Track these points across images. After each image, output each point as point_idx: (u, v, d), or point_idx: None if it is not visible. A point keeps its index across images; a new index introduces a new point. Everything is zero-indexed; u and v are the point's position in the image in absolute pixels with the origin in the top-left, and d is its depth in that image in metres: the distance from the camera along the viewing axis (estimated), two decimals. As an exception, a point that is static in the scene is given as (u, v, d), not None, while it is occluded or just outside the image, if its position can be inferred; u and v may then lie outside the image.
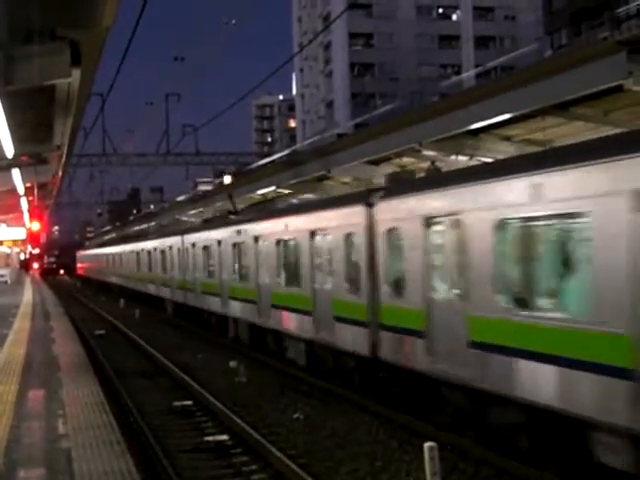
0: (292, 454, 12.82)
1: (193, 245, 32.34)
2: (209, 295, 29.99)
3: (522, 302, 11.17)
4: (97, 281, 75.97)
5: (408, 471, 11.81)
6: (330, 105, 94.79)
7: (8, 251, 65.94)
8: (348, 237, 16.90)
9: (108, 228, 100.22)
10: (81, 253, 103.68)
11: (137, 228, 64.21)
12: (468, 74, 71.21)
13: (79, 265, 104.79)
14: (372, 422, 14.97)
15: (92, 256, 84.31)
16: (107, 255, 67.85)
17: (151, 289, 44.68)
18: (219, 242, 27.74)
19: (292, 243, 21.00)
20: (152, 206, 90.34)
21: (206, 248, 30.25)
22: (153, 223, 56.79)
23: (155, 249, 42.32)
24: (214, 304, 29.32)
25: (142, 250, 47.04)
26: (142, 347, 27.43)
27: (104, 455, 9.79)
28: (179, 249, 35.13)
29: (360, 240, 16.20)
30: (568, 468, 10.56)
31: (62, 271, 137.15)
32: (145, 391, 19.31)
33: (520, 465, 11.38)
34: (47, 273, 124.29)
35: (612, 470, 9.62)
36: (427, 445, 11.11)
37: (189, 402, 17.24)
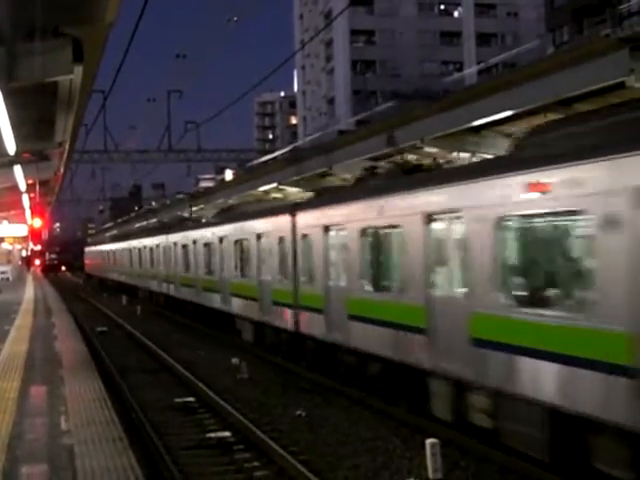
0: (294, 450, 12.83)
1: (326, 229, 18.54)
2: (370, 324, 15.92)
3: None
4: (114, 283, 63.39)
5: (410, 468, 11.81)
6: (331, 102, 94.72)
7: (10, 248, 65.95)
8: None
9: (138, 212, 79.20)
10: (91, 249, 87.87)
11: (184, 212, 46.60)
12: (470, 71, 71.23)
13: (87, 262, 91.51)
14: (374, 419, 14.98)
15: (107, 253, 69.47)
16: (130, 250, 54.43)
17: (211, 300, 30.87)
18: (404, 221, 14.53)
19: None
20: (154, 202, 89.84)
21: (369, 234, 16.47)
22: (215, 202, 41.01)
23: (221, 239, 29.13)
24: (380, 341, 15.52)
25: (195, 242, 33.90)
26: (144, 344, 27.44)
27: (106, 451, 9.80)
28: (282, 238, 21.81)
29: None
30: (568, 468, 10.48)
31: (63, 268, 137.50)
32: (147, 388, 19.31)
33: (522, 463, 11.38)
34: (48, 270, 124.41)
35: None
36: (429, 441, 11.13)
37: (191, 399, 17.25)
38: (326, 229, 18.63)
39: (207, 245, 31.83)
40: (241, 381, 19.71)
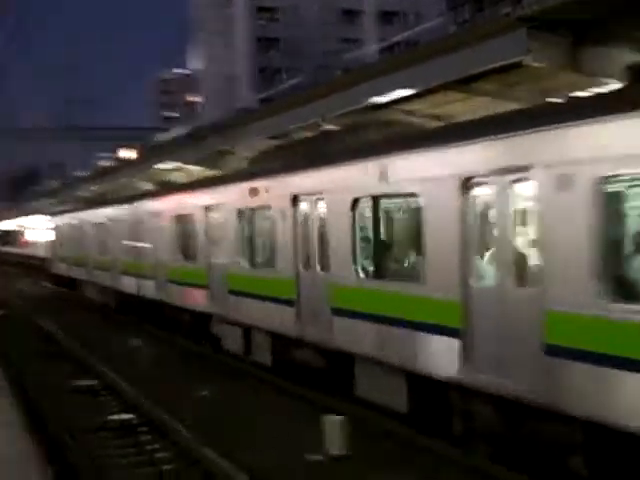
0: (198, 431, 12.72)
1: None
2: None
3: None
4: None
5: (317, 445, 11.78)
6: (233, 80, 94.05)
7: None
8: None
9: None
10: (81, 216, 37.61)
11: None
12: (372, 48, 71.61)
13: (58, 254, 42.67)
14: (282, 400, 14.99)
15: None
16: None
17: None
18: None
19: None
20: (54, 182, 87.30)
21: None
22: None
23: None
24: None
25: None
26: (44, 328, 26.82)
27: (3, 437, 9.58)
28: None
29: None
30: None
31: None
32: (48, 372, 18.90)
33: (437, 442, 11.54)
34: None
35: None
36: (331, 418, 11.31)
37: (94, 382, 16.98)
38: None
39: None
40: (146, 363, 19.46)
